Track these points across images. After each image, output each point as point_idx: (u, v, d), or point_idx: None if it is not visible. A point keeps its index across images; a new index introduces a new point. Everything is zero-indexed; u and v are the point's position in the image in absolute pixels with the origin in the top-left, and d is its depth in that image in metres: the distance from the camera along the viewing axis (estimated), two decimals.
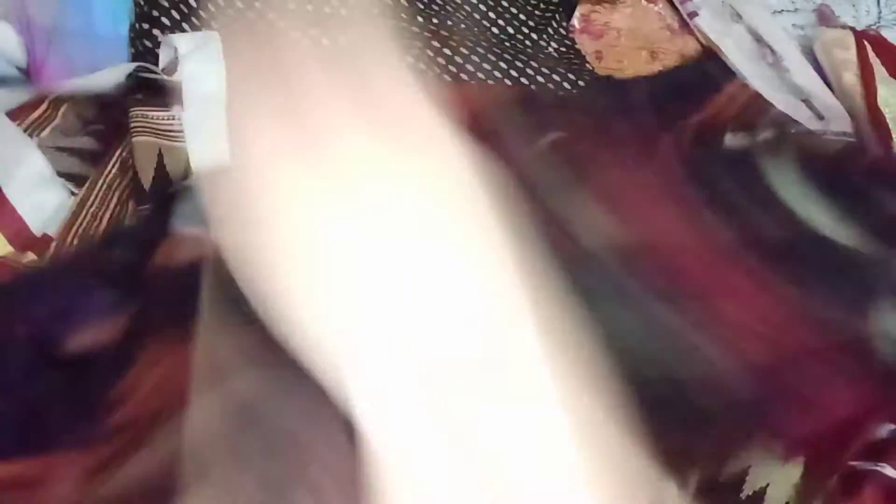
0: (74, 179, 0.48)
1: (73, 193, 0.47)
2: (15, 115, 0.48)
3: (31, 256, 0.45)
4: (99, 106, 0.52)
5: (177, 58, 0.53)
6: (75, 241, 0.45)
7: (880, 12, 1.04)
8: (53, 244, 0.44)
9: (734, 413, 0.42)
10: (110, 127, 0.51)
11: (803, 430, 0.48)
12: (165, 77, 0.52)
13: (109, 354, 0.35)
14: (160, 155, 0.48)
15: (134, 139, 0.49)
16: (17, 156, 0.47)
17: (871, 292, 0.45)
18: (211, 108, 0.52)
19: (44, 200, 0.47)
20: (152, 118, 0.50)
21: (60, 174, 0.48)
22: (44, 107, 0.49)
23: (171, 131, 0.50)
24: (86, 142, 0.50)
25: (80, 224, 0.46)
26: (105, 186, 0.48)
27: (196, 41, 0.54)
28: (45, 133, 0.48)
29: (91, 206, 0.47)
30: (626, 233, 0.42)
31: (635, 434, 0.22)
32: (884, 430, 0.48)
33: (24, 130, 0.47)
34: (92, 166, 0.49)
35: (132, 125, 0.49)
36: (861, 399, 0.50)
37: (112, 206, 0.47)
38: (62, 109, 0.50)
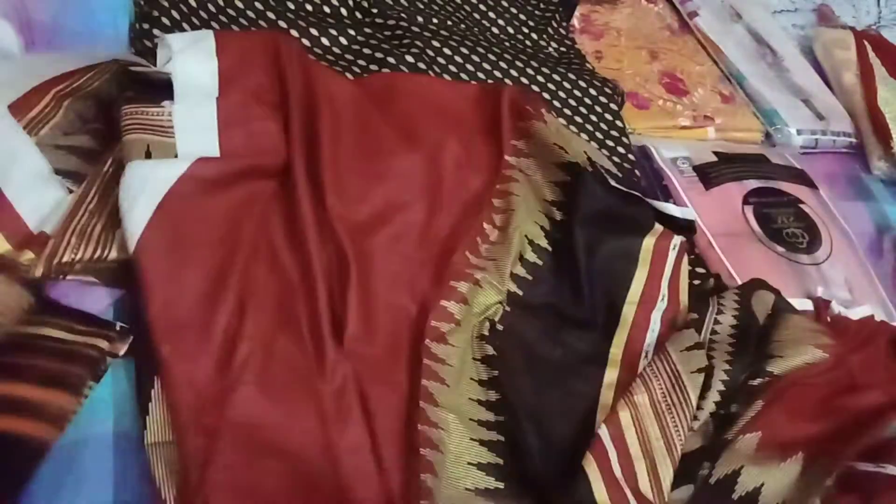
0: (73, 177, 0.48)
1: (70, 191, 0.47)
2: (16, 109, 0.48)
3: (28, 255, 0.44)
4: (99, 105, 0.52)
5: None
6: (72, 239, 0.44)
7: (880, 12, 1.04)
8: (51, 242, 0.44)
9: None
10: (109, 126, 0.51)
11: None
12: (154, 69, 0.52)
13: None
14: (148, 151, 0.49)
15: (124, 137, 0.49)
16: (15, 154, 0.46)
17: None
18: (202, 102, 0.52)
19: (42, 199, 0.46)
20: (143, 114, 0.50)
21: (59, 172, 0.47)
22: (44, 102, 0.49)
23: (161, 127, 0.50)
24: (84, 140, 0.50)
25: (78, 222, 0.45)
26: (103, 185, 0.48)
27: (190, 38, 0.55)
28: (44, 130, 0.48)
29: (89, 203, 0.47)
30: None
31: None
32: (890, 429, 0.48)
33: (24, 128, 0.47)
34: (90, 164, 0.49)
35: (123, 123, 0.49)
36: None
37: (111, 203, 0.47)
38: (64, 106, 0.50)
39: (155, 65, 0.53)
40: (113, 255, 0.45)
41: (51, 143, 0.48)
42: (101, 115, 0.52)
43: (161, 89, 0.52)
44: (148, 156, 0.48)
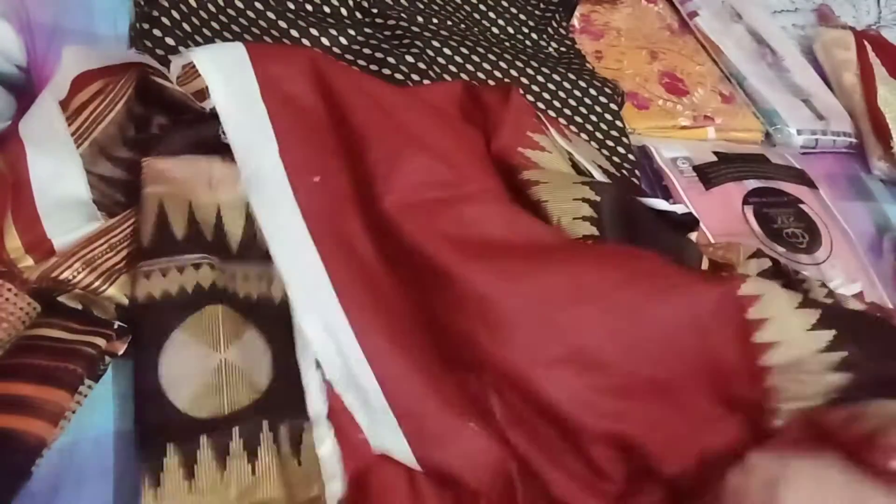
0: (107, 209, 0.47)
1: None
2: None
3: (28, 262, 0.44)
4: (132, 119, 0.50)
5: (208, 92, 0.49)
6: (76, 264, 0.43)
7: (880, 12, 1.04)
8: (54, 259, 0.43)
9: None
10: (143, 147, 0.49)
11: None
12: (180, 91, 0.50)
13: None
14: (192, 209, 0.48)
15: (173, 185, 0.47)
16: (60, 172, 0.46)
17: None
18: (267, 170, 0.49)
19: (73, 221, 0.45)
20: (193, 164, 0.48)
21: (97, 203, 0.47)
22: (90, 110, 0.47)
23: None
24: (118, 172, 0.49)
25: (91, 251, 0.44)
26: (133, 226, 0.47)
27: (225, 73, 0.50)
28: (86, 144, 0.47)
29: (111, 238, 0.45)
30: None
31: None
32: None
33: (73, 133, 0.46)
34: (126, 196, 0.48)
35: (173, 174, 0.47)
36: None
37: (133, 246, 0.46)
38: (106, 120, 0.48)
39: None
40: (110, 291, 0.44)
41: (91, 169, 0.47)
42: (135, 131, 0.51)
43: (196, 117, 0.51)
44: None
